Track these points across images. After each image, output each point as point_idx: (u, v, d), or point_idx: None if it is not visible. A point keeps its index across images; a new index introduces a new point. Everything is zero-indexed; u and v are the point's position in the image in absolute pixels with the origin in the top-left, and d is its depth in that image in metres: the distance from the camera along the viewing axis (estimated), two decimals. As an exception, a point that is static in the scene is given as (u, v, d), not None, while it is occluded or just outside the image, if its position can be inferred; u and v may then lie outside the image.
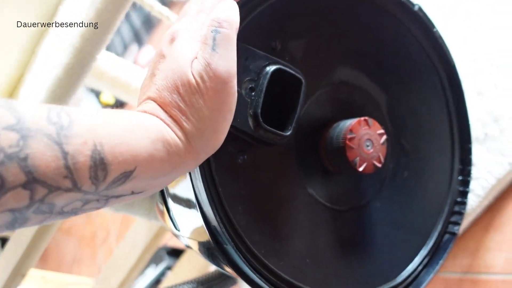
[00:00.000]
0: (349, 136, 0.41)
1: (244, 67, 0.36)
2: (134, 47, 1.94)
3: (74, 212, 0.28)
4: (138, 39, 1.96)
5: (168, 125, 0.31)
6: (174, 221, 0.44)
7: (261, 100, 0.36)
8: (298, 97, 0.39)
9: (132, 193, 0.30)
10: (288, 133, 0.38)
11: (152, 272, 1.19)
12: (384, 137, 0.43)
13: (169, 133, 0.30)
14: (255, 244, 0.37)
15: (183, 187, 0.39)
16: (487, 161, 0.55)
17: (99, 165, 0.27)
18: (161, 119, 0.31)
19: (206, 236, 0.38)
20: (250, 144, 0.38)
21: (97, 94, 1.92)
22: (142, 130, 0.29)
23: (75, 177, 0.26)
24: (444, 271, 0.66)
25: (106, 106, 1.91)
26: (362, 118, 0.42)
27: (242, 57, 0.36)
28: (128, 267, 0.84)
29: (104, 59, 0.76)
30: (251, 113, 0.36)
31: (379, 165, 0.43)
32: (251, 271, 0.37)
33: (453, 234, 0.50)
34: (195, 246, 0.44)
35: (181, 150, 0.31)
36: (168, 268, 1.17)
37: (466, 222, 0.60)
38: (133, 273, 0.85)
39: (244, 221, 0.38)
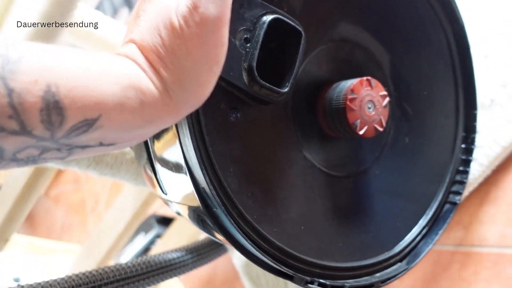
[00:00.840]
0: (350, 97, 0.39)
1: (239, 15, 0.33)
2: (124, 11, 1.88)
3: (32, 160, 0.26)
4: (129, 3, 1.90)
5: (145, 71, 0.27)
6: (161, 184, 0.42)
7: (256, 52, 0.33)
8: (296, 52, 0.36)
9: (101, 144, 0.27)
10: (286, 90, 0.35)
11: (141, 240, 1.18)
12: (387, 99, 0.41)
13: (145, 81, 0.27)
14: (247, 208, 0.35)
15: (171, 147, 0.37)
16: (492, 129, 0.53)
17: (54, 109, 0.24)
18: (138, 64, 0.27)
19: (195, 200, 0.35)
20: (244, 101, 0.35)
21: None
22: (113, 74, 0.26)
23: (22, 118, 0.23)
24: (437, 243, 0.65)
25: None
26: (365, 78, 0.40)
27: (236, 4, 0.32)
28: (116, 234, 0.82)
29: (92, 18, 0.72)
30: (246, 66, 0.33)
31: (380, 129, 0.41)
32: (242, 237, 0.34)
33: (454, 204, 0.48)
34: (183, 211, 0.42)
35: (157, 102, 0.27)
36: (158, 236, 1.16)
37: (466, 192, 0.58)
38: (121, 240, 0.84)
39: (236, 183, 0.35)
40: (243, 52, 0.33)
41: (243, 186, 0.36)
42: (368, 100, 0.40)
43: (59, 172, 1.65)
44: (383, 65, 0.45)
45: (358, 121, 0.39)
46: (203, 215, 0.36)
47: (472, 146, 0.49)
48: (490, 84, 0.56)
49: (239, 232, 0.34)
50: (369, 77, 0.40)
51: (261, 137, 0.38)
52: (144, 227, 1.19)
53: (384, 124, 0.41)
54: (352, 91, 0.39)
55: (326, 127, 0.42)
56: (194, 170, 0.34)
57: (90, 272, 0.49)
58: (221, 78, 0.33)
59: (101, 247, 0.85)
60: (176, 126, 0.33)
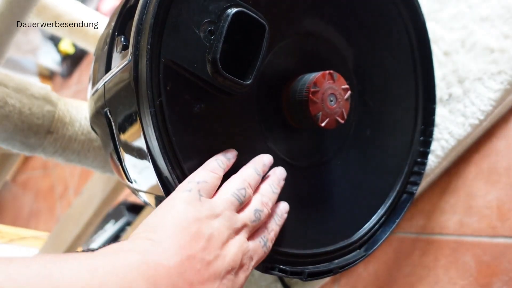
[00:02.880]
0: (312, 90, 0.40)
1: (203, 7, 0.33)
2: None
3: None
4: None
5: None
6: (127, 173, 0.42)
7: (220, 44, 0.34)
8: (260, 45, 0.36)
9: None
10: (249, 82, 0.36)
11: (111, 228, 1.18)
12: (349, 92, 0.42)
13: None
14: (209, 197, 0.36)
15: (135, 137, 0.37)
16: (448, 122, 0.55)
17: None
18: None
19: (158, 189, 0.36)
20: (208, 92, 0.36)
21: (55, 42, 1.83)
22: None
23: None
24: (400, 231, 0.67)
25: (65, 55, 1.82)
26: (327, 72, 0.41)
27: None
28: (84, 221, 0.81)
29: (61, 2, 0.71)
30: (210, 58, 0.34)
31: (341, 121, 0.42)
32: (204, 225, 0.35)
33: (411, 194, 0.50)
34: (151, 200, 0.42)
35: None
36: (128, 224, 1.15)
37: (424, 182, 0.60)
38: (89, 227, 0.83)
39: (199, 173, 0.36)
40: (207, 44, 0.34)
41: (206, 175, 0.36)
42: (330, 93, 0.41)
43: (27, 158, 1.62)
44: (347, 59, 0.46)
45: (320, 113, 0.40)
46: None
47: (430, 139, 0.51)
48: (449, 80, 0.58)
49: (201, 220, 0.35)
50: (331, 71, 0.41)
51: (225, 128, 0.38)
52: (114, 215, 1.19)
53: (345, 116, 0.42)
54: (315, 84, 0.40)
55: (290, 118, 0.43)
56: (157, 160, 0.34)
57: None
58: (185, 69, 0.33)
59: (69, 234, 0.84)
60: (140, 115, 0.34)
